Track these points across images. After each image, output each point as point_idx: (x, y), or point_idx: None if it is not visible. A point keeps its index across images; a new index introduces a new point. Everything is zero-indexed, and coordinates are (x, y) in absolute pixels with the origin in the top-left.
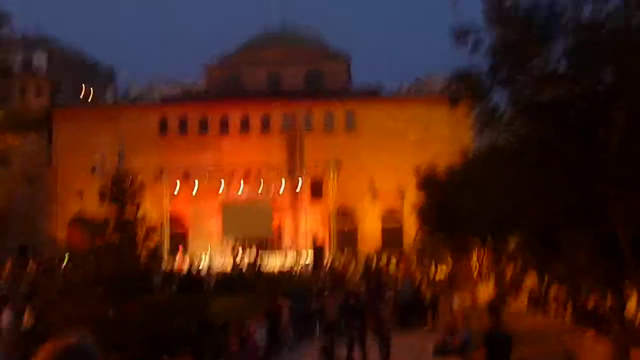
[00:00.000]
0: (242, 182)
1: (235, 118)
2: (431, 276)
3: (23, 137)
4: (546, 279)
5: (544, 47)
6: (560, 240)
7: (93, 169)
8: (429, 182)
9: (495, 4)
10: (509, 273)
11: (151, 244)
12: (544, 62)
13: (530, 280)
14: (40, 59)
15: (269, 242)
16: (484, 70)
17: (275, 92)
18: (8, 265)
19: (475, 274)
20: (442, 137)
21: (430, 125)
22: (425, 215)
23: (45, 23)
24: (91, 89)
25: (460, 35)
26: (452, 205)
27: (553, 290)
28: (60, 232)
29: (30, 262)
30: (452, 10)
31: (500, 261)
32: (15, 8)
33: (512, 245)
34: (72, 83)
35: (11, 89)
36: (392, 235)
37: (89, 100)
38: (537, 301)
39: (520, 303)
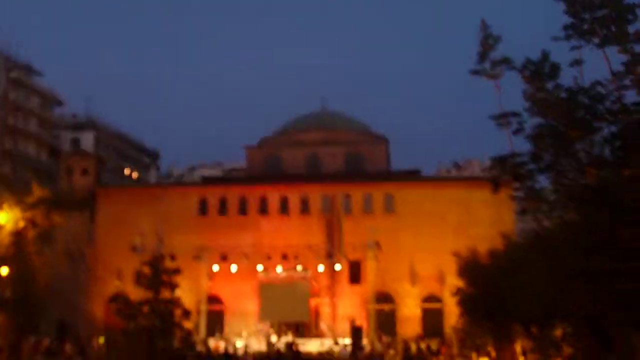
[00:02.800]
0: (280, 263)
1: (274, 199)
2: None
3: (68, 215)
4: None
5: (588, 131)
6: (612, 330)
7: (133, 248)
8: (470, 268)
9: (537, 89)
10: None
11: (185, 327)
12: (588, 146)
13: None
14: (87, 140)
15: (305, 326)
16: (525, 155)
17: (314, 174)
18: (46, 342)
19: None
20: (482, 220)
21: (471, 208)
22: (467, 301)
23: (94, 105)
24: (135, 169)
25: (502, 119)
26: (495, 292)
27: None
28: (99, 310)
29: (67, 340)
30: (496, 95)
31: (546, 351)
32: (66, 91)
33: (558, 333)
34: (117, 163)
35: (59, 167)
36: (432, 320)
37: (133, 180)
38: None
39: None
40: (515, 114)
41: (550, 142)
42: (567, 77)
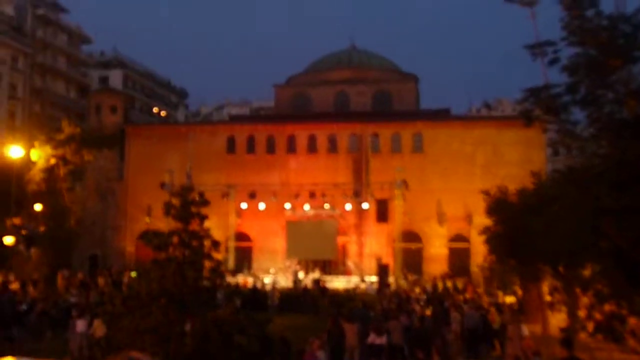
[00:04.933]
0: (307, 201)
1: (302, 138)
2: (500, 303)
3: (97, 153)
4: (625, 311)
5: (628, 61)
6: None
7: (162, 185)
8: (499, 207)
9: (576, 16)
10: (582, 303)
11: (215, 259)
12: (628, 77)
13: (607, 312)
14: (115, 78)
15: (332, 264)
16: (561, 86)
17: (342, 113)
18: (80, 275)
19: (546, 303)
20: (512, 161)
21: (500, 149)
22: (494, 241)
23: (122, 43)
24: (163, 107)
25: (537, 48)
26: (524, 232)
27: (631, 323)
28: (129, 246)
29: (99, 273)
30: (531, 22)
31: (573, 290)
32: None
33: (587, 273)
34: (145, 101)
35: (88, 106)
36: (458, 259)
37: (161, 118)
38: (614, 334)
39: (594, 335)
40: (551, 43)
41: (588, 72)
42: (608, 4)
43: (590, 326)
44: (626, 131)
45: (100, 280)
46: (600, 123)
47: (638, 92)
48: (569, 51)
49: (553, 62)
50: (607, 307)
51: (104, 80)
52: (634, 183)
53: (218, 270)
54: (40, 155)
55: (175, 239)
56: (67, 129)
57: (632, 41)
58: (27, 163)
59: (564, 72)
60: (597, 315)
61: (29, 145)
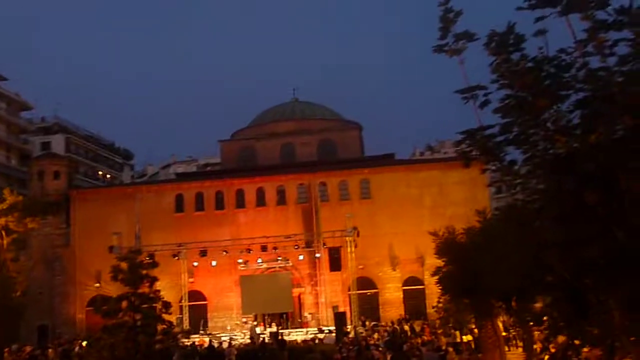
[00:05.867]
0: (259, 255)
1: (250, 192)
2: (457, 342)
3: (42, 220)
4: (578, 341)
5: (556, 100)
6: (587, 296)
7: (110, 249)
8: (448, 247)
9: (503, 61)
10: (537, 337)
11: (167, 321)
12: (556, 115)
13: (561, 344)
14: (58, 143)
15: (289, 316)
16: (494, 127)
17: (289, 164)
18: (28, 348)
19: (503, 339)
20: (457, 200)
21: (446, 189)
22: (446, 281)
23: (63, 108)
24: (108, 170)
25: (468, 92)
26: (473, 270)
27: (584, 352)
28: (80, 313)
29: (50, 345)
30: (461, 71)
31: (527, 325)
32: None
33: (538, 307)
34: (89, 165)
35: (30, 172)
36: (414, 301)
37: (106, 181)
38: None
39: None
40: (481, 87)
41: (518, 113)
42: (532, 48)
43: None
44: (559, 166)
45: (51, 352)
46: (535, 160)
47: (566, 129)
48: (500, 93)
49: (484, 104)
50: (561, 339)
51: (46, 146)
52: (571, 215)
53: (170, 332)
54: None
55: (124, 304)
56: (9, 197)
57: (557, 81)
58: None
59: (496, 113)
60: (552, 348)
61: None
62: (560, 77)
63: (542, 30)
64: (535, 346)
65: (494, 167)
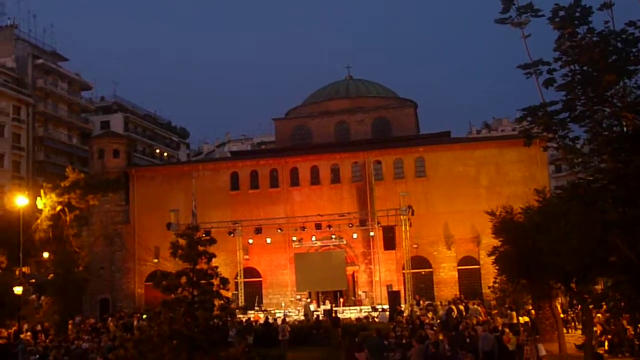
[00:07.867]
0: (313, 233)
1: (305, 170)
2: (514, 323)
3: (102, 197)
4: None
5: (623, 75)
6: None
7: (168, 226)
8: (505, 227)
9: (568, 35)
10: (596, 319)
11: (224, 297)
12: (623, 91)
13: (622, 326)
14: (117, 122)
15: (343, 294)
16: (557, 104)
17: (343, 142)
18: (90, 320)
19: (561, 320)
20: (515, 180)
21: (503, 168)
22: (503, 261)
23: (121, 88)
24: (165, 148)
25: (531, 67)
26: (532, 250)
27: None
28: (139, 288)
29: (110, 317)
30: (524, 44)
31: (587, 306)
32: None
33: (599, 288)
34: (147, 143)
35: (91, 151)
36: (469, 281)
37: (163, 159)
38: (631, 347)
39: (609, 349)
40: (544, 62)
41: (583, 89)
42: (597, 22)
43: (607, 343)
44: (626, 145)
45: (111, 325)
46: (600, 138)
47: (634, 106)
48: (561, 72)
49: (548, 82)
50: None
51: (106, 124)
52: (637, 196)
53: (228, 308)
54: (45, 203)
55: (183, 280)
56: (71, 175)
57: (624, 56)
58: (34, 212)
59: (559, 91)
60: (613, 329)
61: (35, 194)
62: (627, 51)
63: (608, 3)
64: (595, 328)
65: (555, 145)
